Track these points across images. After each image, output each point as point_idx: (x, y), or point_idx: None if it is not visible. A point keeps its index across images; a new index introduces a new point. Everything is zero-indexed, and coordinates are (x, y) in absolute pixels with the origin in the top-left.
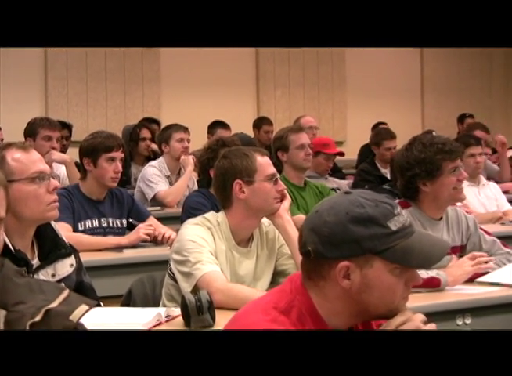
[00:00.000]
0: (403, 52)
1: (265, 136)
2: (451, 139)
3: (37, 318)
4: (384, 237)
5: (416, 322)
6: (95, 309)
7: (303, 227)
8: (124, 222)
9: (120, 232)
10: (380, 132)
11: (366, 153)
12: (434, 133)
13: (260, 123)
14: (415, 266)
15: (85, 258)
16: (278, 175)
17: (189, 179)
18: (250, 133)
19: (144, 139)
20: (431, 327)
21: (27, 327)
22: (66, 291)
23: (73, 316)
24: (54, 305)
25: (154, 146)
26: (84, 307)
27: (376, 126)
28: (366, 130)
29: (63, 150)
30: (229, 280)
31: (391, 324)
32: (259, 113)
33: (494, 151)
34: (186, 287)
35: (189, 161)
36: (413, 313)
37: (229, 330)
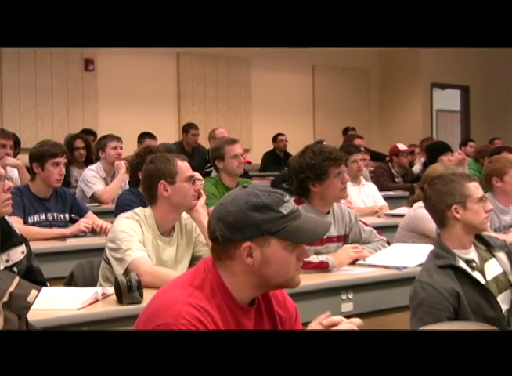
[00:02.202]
0: (298, 76)
1: (192, 139)
2: (337, 148)
3: (5, 298)
4: (277, 220)
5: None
6: (43, 289)
7: (211, 218)
8: (67, 216)
9: (64, 224)
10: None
11: (268, 158)
12: (324, 143)
13: (188, 128)
14: (304, 242)
15: (34, 246)
16: (197, 177)
17: (121, 180)
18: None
19: (78, 149)
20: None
21: (1, 308)
22: (17, 277)
23: (29, 299)
24: (12, 288)
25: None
26: (35, 292)
27: (276, 137)
28: (268, 140)
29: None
30: (155, 263)
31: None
32: (180, 125)
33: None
34: (119, 270)
35: (122, 165)
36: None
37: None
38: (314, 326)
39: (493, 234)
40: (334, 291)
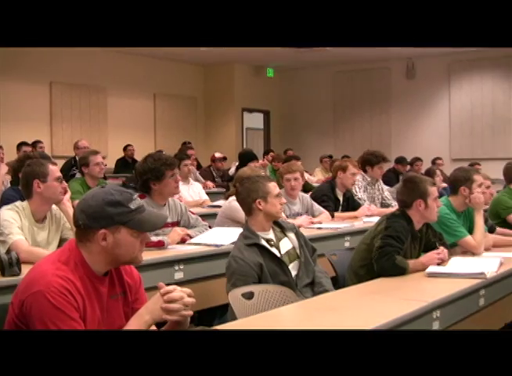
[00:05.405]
0: (143, 101)
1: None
2: (171, 156)
3: None
4: (127, 213)
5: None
6: None
7: (75, 209)
8: None
9: None
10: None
11: (120, 163)
12: (162, 152)
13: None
14: (146, 231)
15: None
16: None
17: (4, 180)
18: (46, 151)
19: None
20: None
21: None
22: None
23: None
24: None
25: None
26: None
27: (126, 147)
28: (119, 149)
29: None
30: (31, 244)
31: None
32: (52, 138)
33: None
34: (2, 249)
35: (4, 168)
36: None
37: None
38: (156, 298)
39: (286, 220)
40: (169, 263)
